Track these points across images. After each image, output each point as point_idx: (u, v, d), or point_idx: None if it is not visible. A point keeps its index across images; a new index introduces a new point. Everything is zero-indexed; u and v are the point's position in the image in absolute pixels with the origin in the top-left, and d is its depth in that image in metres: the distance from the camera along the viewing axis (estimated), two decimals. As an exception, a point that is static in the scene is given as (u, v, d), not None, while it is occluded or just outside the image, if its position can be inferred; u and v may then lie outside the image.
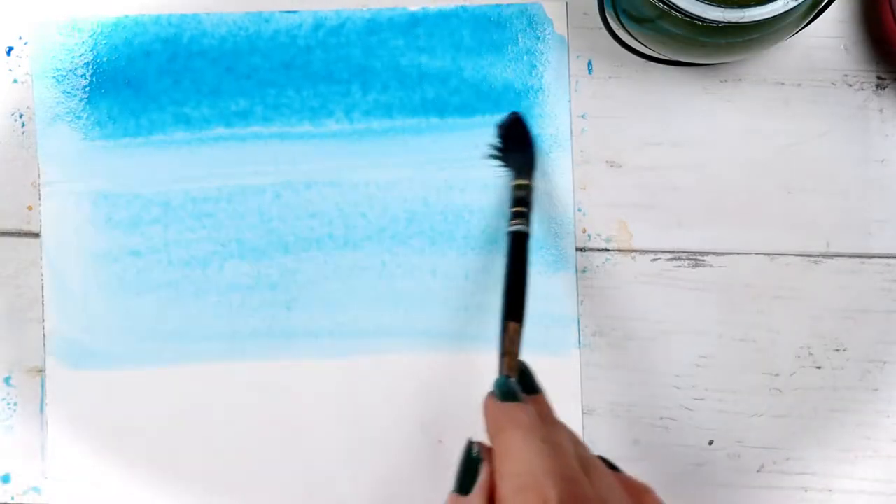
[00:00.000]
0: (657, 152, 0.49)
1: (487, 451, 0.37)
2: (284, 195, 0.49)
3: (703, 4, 0.39)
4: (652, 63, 0.48)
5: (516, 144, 0.48)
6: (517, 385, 0.39)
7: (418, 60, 0.49)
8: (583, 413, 0.48)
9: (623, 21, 0.44)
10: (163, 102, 0.49)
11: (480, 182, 0.49)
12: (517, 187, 0.46)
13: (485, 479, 0.36)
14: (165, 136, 0.49)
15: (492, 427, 0.37)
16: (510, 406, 0.37)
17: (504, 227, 0.47)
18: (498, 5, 0.48)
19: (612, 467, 0.39)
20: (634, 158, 0.49)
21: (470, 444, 0.38)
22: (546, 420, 0.38)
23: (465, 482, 0.37)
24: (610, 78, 0.49)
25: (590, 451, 0.39)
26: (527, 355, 0.48)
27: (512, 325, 0.41)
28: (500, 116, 0.49)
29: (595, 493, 0.36)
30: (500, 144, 0.48)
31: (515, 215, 0.45)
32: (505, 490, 0.35)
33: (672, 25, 0.41)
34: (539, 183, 0.48)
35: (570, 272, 0.49)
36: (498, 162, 0.48)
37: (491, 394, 0.38)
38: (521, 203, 0.45)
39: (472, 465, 0.37)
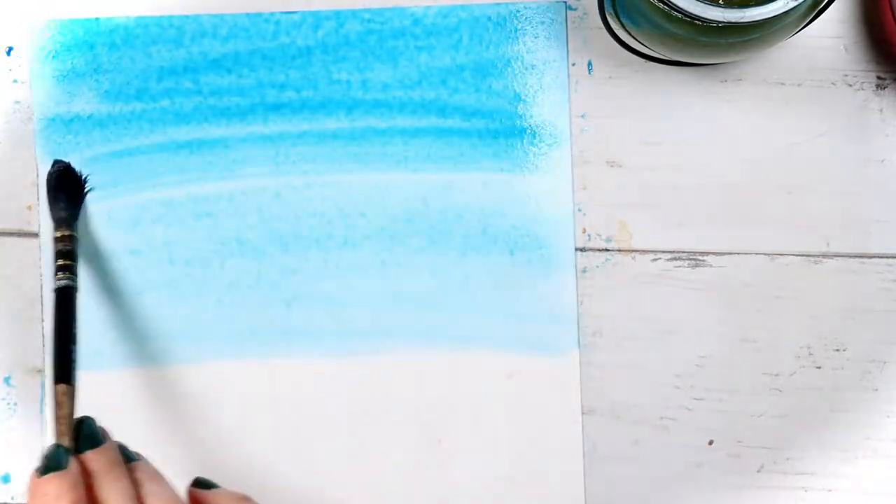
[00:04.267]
0: (657, 152, 0.49)
1: None
2: (284, 195, 0.49)
3: (703, 4, 0.39)
4: (652, 63, 0.48)
5: (57, 194, 0.47)
6: (63, 451, 0.38)
7: (418, 60, 0.49)
8: (583, 413, 0.48)
9: (623, 21, 0.44)
10: (163, 102, 0.49)
11: (480, 182, 0.49)
12: (57, 239, 0.45)
13: None
14: (166, 136, 0.49)
15: None
16: (41, 481, 0.37)
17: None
18: (498, 4, 0.48)
19: (208, 486, 0.40)
20: (634, 158, 0.49)
21: None
22: (100, 474, 0.38)
23: None
24: (610, 78, 0.49)
25: (162, 483, 0.39)
26: (527, 355, 0.49)
27: (59, 387, 0.40)
28: (495, 119, 0.49)
29: None
30: (46, 193, 0.47)
31: (59, 269, 0.44)
32: None
33: (672, 25, 0.41)
34: (538, 182, 0.48)
35: (570, 272, 0.49)
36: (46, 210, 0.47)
37: (35, 470, 0.37)
38: (64, 256, 0.44)
39: None
